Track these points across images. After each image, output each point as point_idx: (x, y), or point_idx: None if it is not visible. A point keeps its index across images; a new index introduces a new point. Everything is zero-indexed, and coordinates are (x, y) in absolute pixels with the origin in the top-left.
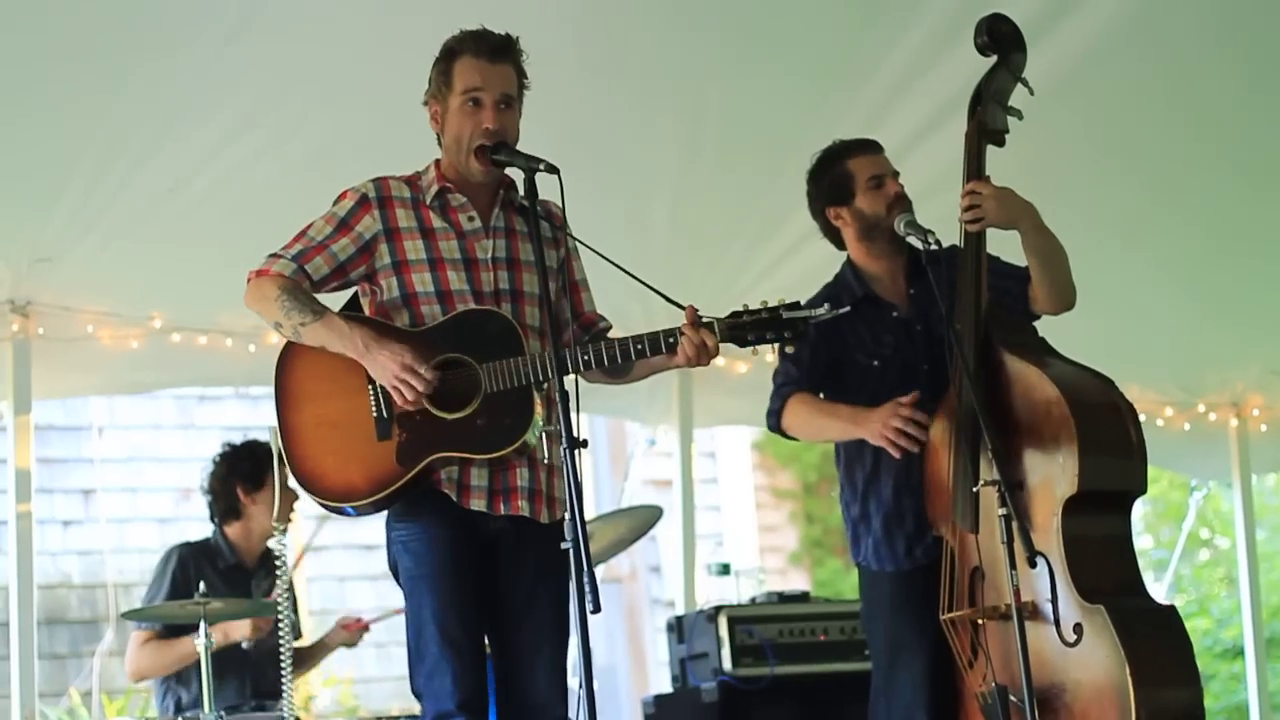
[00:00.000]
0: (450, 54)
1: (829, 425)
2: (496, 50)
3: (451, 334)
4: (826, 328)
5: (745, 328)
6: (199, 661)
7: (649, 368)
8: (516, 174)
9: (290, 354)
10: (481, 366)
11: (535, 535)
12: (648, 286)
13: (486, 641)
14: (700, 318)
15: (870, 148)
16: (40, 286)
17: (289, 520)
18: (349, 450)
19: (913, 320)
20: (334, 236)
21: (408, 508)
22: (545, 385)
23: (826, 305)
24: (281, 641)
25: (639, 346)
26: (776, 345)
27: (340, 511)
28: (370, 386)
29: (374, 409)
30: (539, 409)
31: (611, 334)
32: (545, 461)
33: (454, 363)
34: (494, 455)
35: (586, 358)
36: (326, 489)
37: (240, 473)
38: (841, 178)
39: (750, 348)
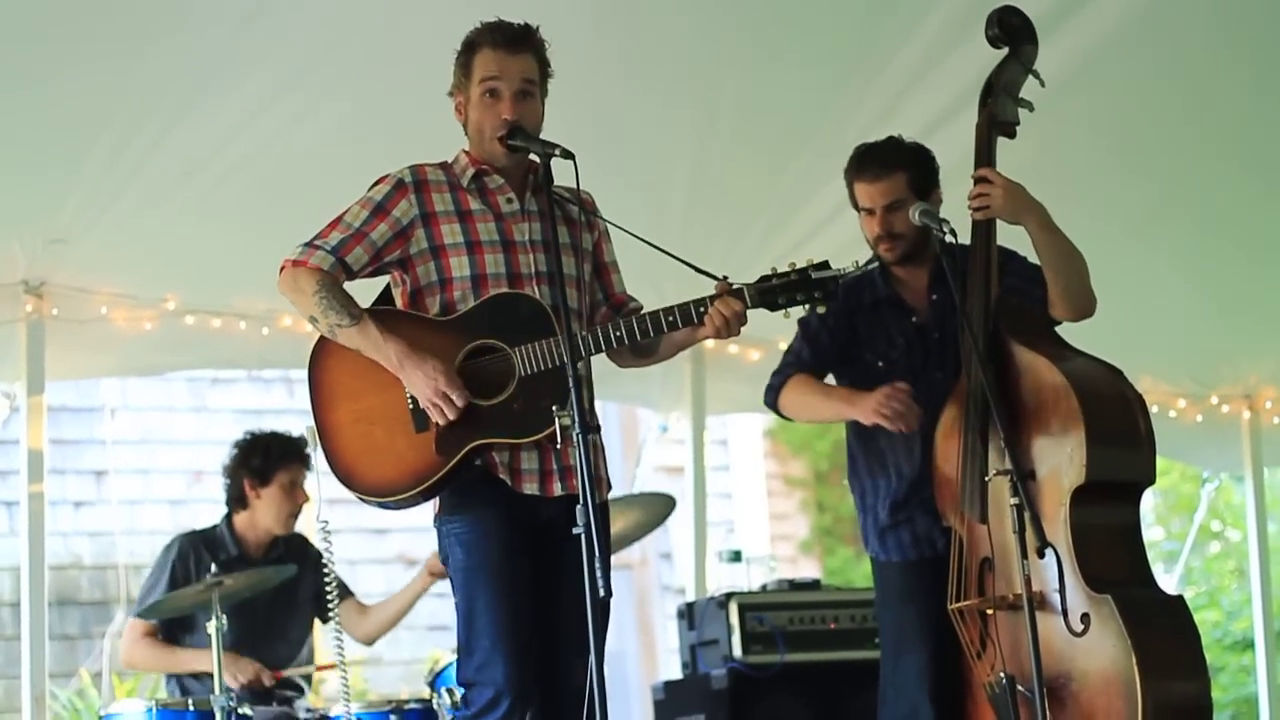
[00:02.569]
0: (470, 47)
1: (823, 405)
2: (513, 40)
3: (482, 320)
4: (843, 318)
5: (775, 291)
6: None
7: (675, 345)
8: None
9: (322, 352)
10: (514, 350)
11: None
12: (682, 261)
13: None
14: (731, 286)
15: (867, 172)
16: (54, 267)
17: (290, 527)
18: (388, 445)
19: (930, 327)
20: (371, 222)
21: (459, 499)
22: (588, 362)
23: (856, 261)
24: (337, 643)
25: (670, 319)
26: (808, 305)
27: (383, 506)
28: None
29: (410, 402)
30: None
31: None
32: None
33: (487, 349)
34: (533, 439)
35: (619, 333)
36: (369, 485)
37: (249, 466)
38: (850, 193)
39: (782, 310)
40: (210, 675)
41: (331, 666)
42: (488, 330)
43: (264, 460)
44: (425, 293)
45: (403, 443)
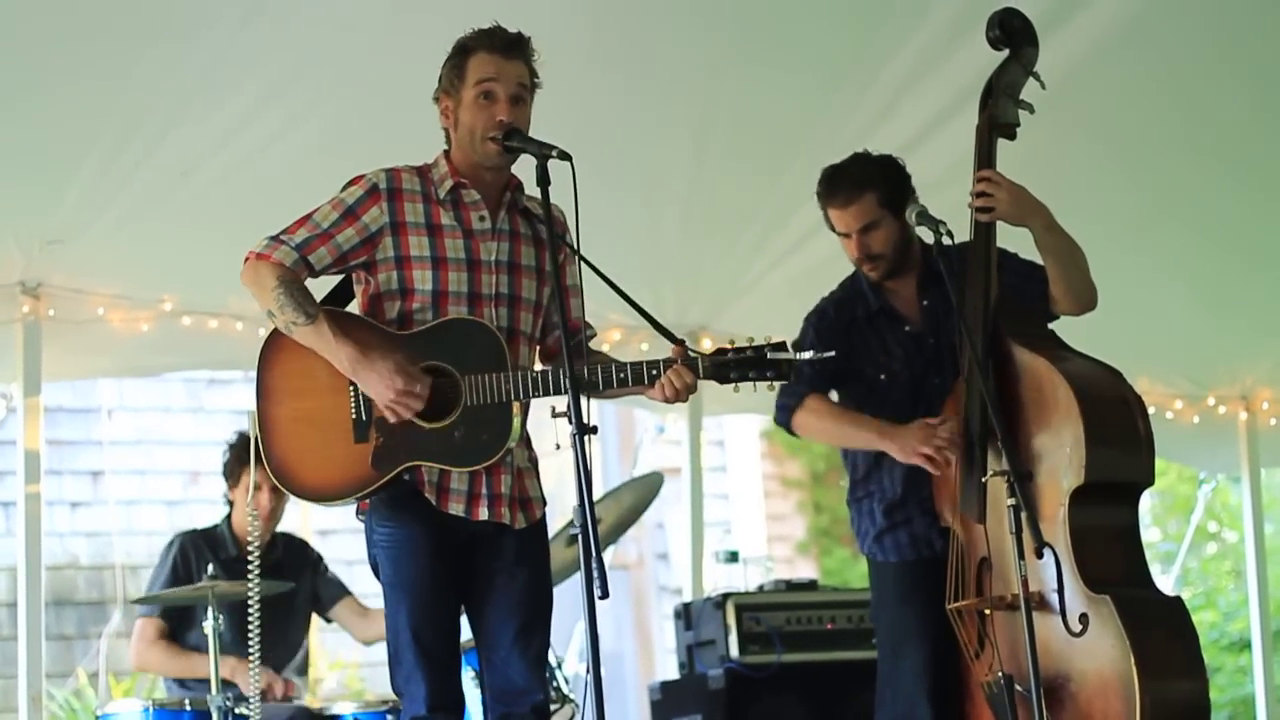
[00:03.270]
0: (463, 50)
1: (852, 434)
2: (509, 46)
3: (438, 341)
4: (837, 334)
5: (729, 366)
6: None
7: (622, 393)
8: (528, 167)
9: (275, 345)
10: (464, 378)
11: (514, 533)
12: (642, 313)
13: (469, 628)
14: (688, 353)
15: (837, 198)
16: (52, 268)
17: (261, 511)
18: (325, 450)
19: (925, 334)
20: (339, 225)
21: (389, 509)
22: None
23: (811, 351)
24: (250, 628)
25: (621, 375)
26: (758, 384)
27: (313, 504)
28: (351, 387)
29: (353, 410)
30: (517, 424)
31: (598, 340)
32: (519, 466)
33: (436, 370)
34: (468, 469)
35: (568, 382)
36: (299, 486)
37: (224, 466)
38: (824, 216)
39: (733, 384)
40: (221, 681)
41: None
42: (441, 353)
43: (231, 461)
44: (385, 298)
45: (339, 450)
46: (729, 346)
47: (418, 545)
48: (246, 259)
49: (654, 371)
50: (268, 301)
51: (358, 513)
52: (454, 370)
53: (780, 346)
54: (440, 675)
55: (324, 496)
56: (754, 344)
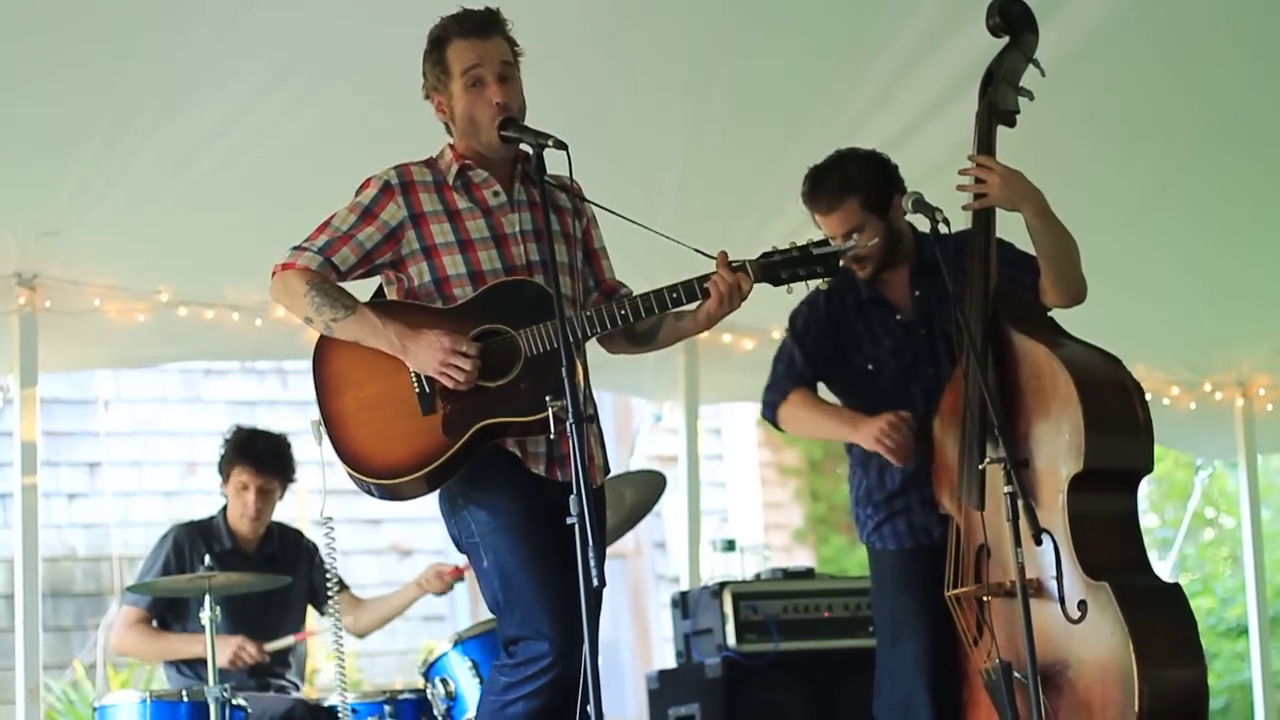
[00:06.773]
0: (439, 42)
1: (824, 425)
2: (483, 26)
3: (484, 307)
4: (828, 323)
5: (778, 266)
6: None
7: (675, 333)
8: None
9: (324, 346)
10: (519, 332)
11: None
12: (676, 241)
13: None
14: (731, 261)
15: (819, 204)
16: (47, 259)
17: (250, 530)
18: (395, 428)
19: (916, 324)
20: (359, 225)
21: (475, 475)
22: (584, 346)
23: (855, 237)
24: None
25: (674, 295)
26: (810, 280)
27: (392, 494)
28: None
29: (415, 385)
30: (580, 369)
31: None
32: (590, 431)
33: (491, 333)
34: (541, 416)
35: (624, 312)
36: (376, 469)
37: (218, 461)
38: (811, 218)
39: (785, 286)
40: (201, 661)
41: (310, 635)
42: (490, 316)
43: (222, 458)
44: (422, 293)
45: (409, 426)
46: (773, 249)
47: (514, 494)
48: (273, 273)
49: (705, 285)
50: (303, 308)
51: (444, 502)
52: (508, 328)
53: (823, 243)
54: (568, 608)
55: (404, 472)
56: (796, 244)
